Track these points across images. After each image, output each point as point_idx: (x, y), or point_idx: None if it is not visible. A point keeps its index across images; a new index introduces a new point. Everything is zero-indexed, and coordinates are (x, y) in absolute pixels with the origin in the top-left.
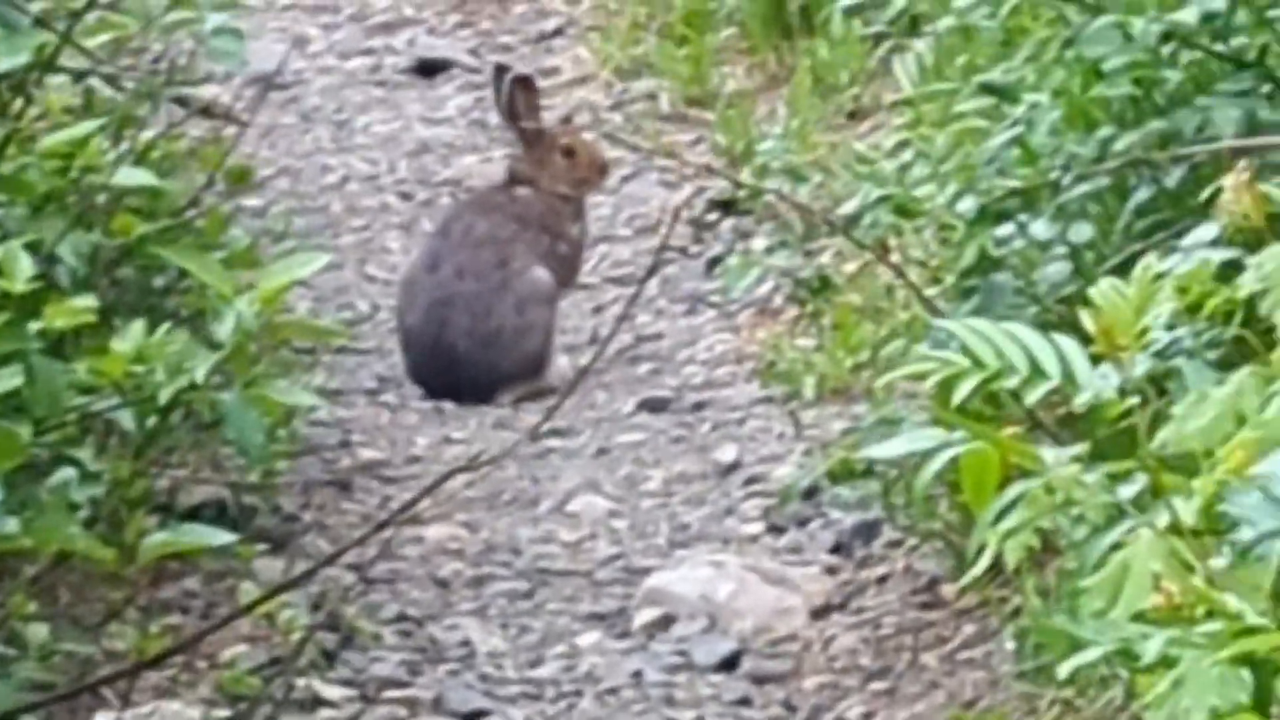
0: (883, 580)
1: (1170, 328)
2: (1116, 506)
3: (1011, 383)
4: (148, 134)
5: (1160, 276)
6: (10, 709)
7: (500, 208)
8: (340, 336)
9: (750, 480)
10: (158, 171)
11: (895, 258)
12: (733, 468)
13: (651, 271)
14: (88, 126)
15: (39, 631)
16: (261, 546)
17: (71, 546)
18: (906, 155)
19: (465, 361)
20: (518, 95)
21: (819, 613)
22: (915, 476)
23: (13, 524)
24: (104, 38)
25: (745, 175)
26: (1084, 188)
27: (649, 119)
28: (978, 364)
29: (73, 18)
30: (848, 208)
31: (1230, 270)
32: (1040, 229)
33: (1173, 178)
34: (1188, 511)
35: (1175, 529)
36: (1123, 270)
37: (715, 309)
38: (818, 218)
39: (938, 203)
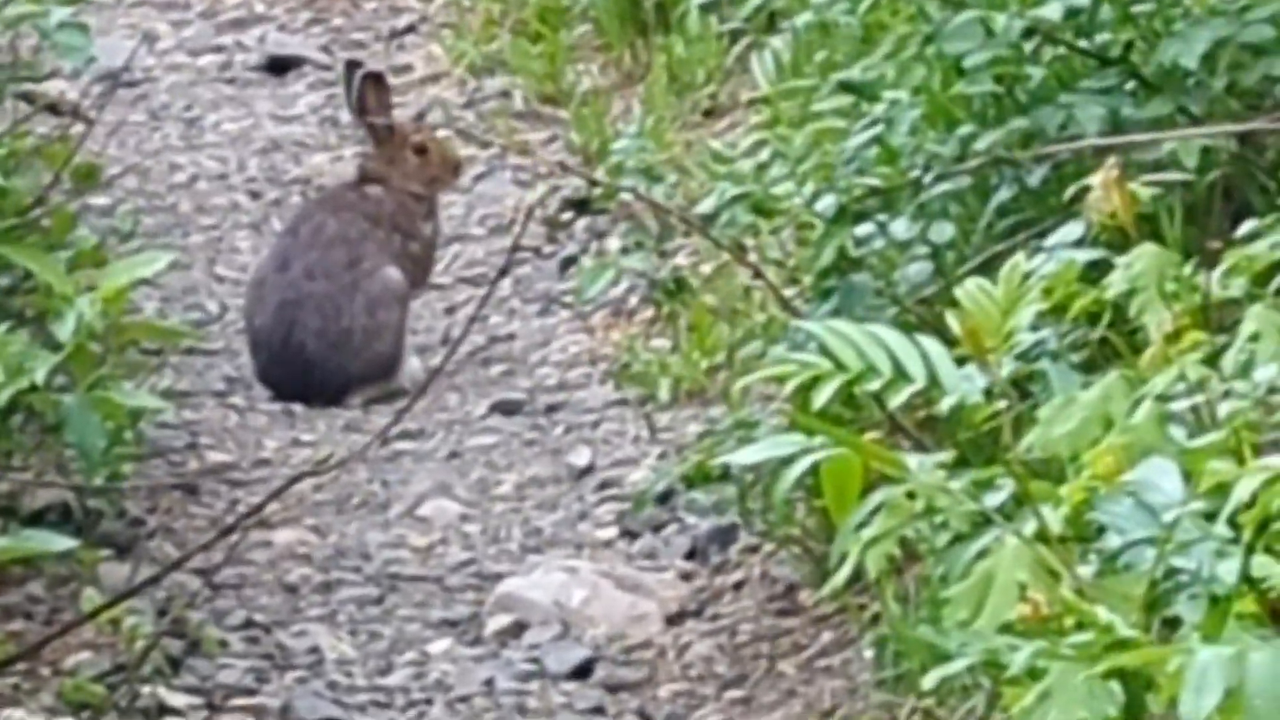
0: (739, 586)
1: (1034, 329)
2: (981, 514)
3: (874, 385)
4: None
5: (1028, 277)
6: None
7: (351, 206)
8: (187, 337)
9: (604, 484)
10: (3, 169)
11: (753, 257)
12: (586, 471)
13: (504, 271)
14: None
15: None
16: (106, 552)
17: None
18: (764, 154)
19: (315, 363)
20: (369, 92)
21: (674, 619)
22: (773, 482)
23: None
24: None
25: (600, 174)
26: (945, 187)
27: (503, 117)
28: (839, 366)
29: None
30: (704, 206)
31: (1095, 270)
32: (900, 228)
33: (1035, 176)
34: (1055, 519)
35: (1042, 536)
36: (985, 270)
37: (569, 309)
38: (674, 217)
39: (796, 202)
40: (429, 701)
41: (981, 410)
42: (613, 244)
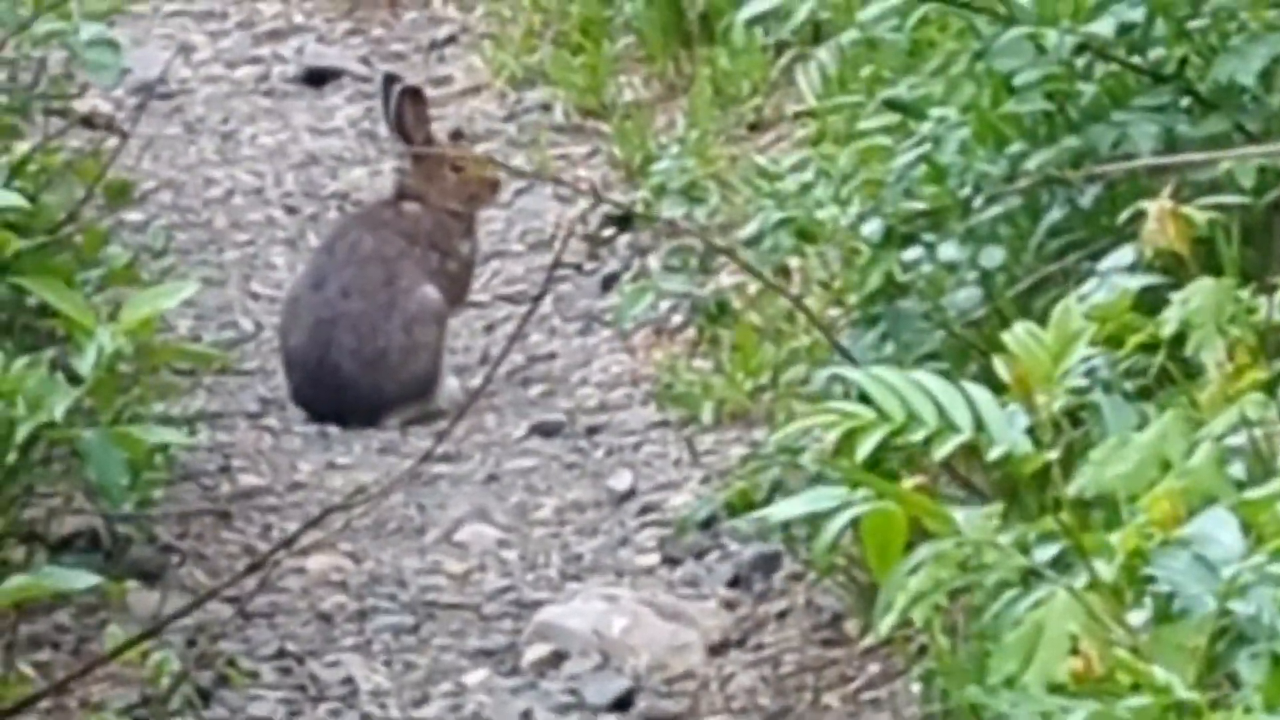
0: (783, 615)
1: (1085, 359)
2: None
3: (918, 436)
4: (23, 146)
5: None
6: None
7: (388, 224)
8: (217, 360)
9: (645, 509)
10: (34, 185)
11: (797, 280)
12: (627, 496)
13: (545, 289)
14: None
15: None
16: (134, 583)
17: None
18: (808, 173)
19: (350, 383)
20: (406, 108)
21: (716, 649)
22: (815, 528)
23: None
24: None
25: (642, 192)
26: (995, 208)
27: (543, 130)
28: (883, 416)
29: None
30: (748, 230)
31: (1149, 294)
32: (949, 251)
33: (1087, 197)
34: (1108, 571)
35: (1093, 584)
36: (1034, 293)
37: (610, 328)
38: (714, 247)
39: (841, 225)
40: None
41: (1032, 461)
42: (655, 261)
